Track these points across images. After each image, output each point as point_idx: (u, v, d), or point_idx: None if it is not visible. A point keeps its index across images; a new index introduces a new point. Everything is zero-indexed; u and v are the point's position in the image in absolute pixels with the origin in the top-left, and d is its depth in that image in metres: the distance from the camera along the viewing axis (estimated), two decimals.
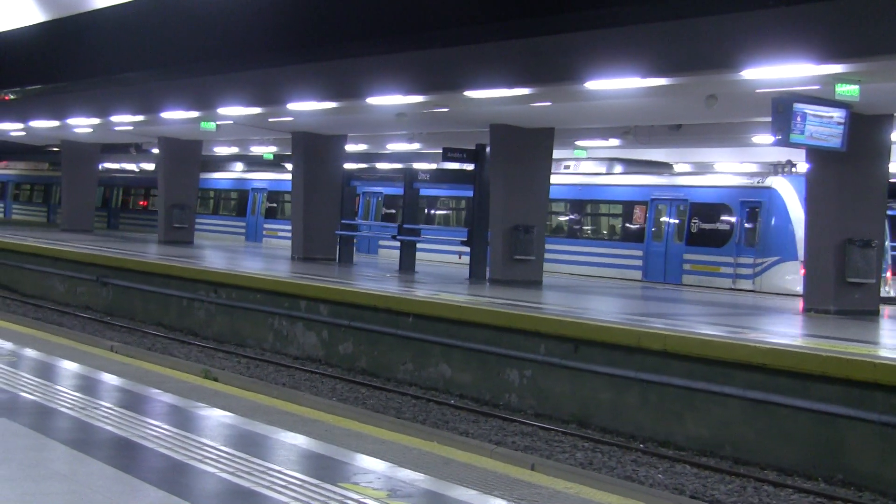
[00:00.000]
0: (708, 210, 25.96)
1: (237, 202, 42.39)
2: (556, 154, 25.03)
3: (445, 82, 17.78)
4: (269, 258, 29.74)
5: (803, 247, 23.42)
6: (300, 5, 16.36)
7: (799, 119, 16.31)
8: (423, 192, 29.44)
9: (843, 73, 14.51)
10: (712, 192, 26.06)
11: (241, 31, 17.31)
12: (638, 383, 14.23)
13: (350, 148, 31.87)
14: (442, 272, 26.79)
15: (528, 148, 23.06)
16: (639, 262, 27.22)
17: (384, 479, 6.72)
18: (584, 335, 14.99)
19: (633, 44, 14.32)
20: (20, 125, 34.63)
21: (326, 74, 19.08)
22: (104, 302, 25.48)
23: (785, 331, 16.64)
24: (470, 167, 25.46)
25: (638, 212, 27.53)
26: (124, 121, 29.57)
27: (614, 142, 27.54)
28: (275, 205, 40.49)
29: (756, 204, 24.79)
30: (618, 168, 30.54)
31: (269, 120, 26.41)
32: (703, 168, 33.86)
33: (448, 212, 33.60)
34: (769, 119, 16.79)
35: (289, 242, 37.50)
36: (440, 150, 25.78)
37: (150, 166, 51.41)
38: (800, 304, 21.02)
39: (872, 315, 18.61)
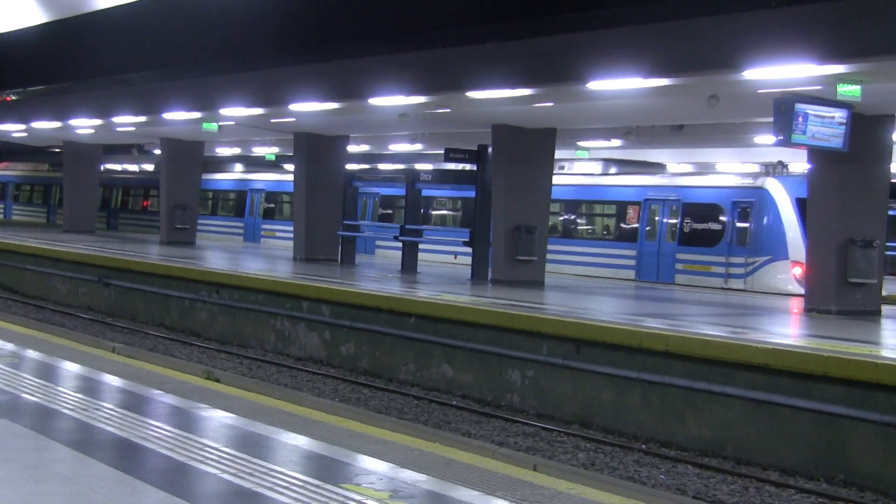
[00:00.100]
0: (700, 210, 26.18)
1: (235, 203, 42.44)
2: (555, 154, 25.04)
3: (447, 83, 17.78)
4: (270, 259, 29.74)
5: (795, 246, 23.79)
6: (302, 6, 16.37)
7: (801, 119, 16.30)
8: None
9: (844, 73, 14.50)
10: (704, 193, 26.29)
11: (244, 31, 17.33)
12: (640, 384, 14.23)
13: (352, 149, 31.87)
14: (444, 273, 26.80)
15: (530, 148, 23.06)
16: (632, 262, 27.43)
17: (386, 480, 6.72)
18: (585, 335, 14.99)
19: (634, 44, 14.33)
20: (22, 126, 34.65)
21: (328, 75, 19.10)
22: (106, 303, 25.49)
23: (786, 331, 16.63)
24: (469, 168, 25.48)
25: (631, 212, 27.75)
26: (126, 122, 29.57)
27: (616, 142, 27.58)
28: (273, 205, 40.58)
29: (747, 204, 25.01)
30: (612, 168, 30.71)
31: (271, 121, 26.41)
32: (705, 168, 33.88)
33: (444, 212, 33.65)
34: (771, 119, 16.78)
35: (286, 243, 37.72)
36: (442, 151, 25.79)
37: (150, 167, 51.50)
38: (791, 302, 21.08)
39: (874, 315, 18.60)
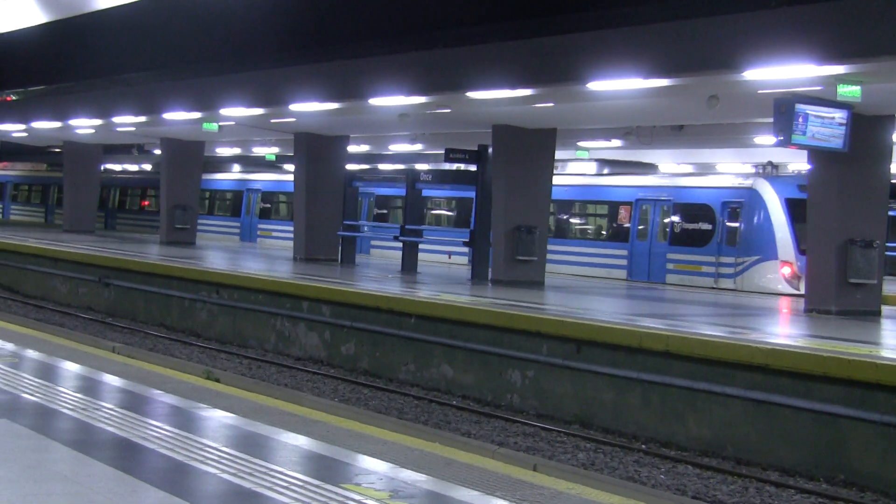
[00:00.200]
0: (691, 210, 26.38)
1: (232, 203, 42.50)
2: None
3: (448, 83, 17.78)
4: (270, 259, 29.74)
5: (784, 246, 23.95)
6: (302, 6, 16.37)
7: (801, 120, 16.30)
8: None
9: (844, 73, 14.51)
10: (695, 193, 26.48)
11: (244, 31, 17.33)
12: (640, 384, 14.23)
13: (352, 149, 31.88)
14: (443, 273, 26.81)
15: (530, 148, 23.07)
16: (624, 262, 27.57)
17: (386, 480, 6.73)
18: (586, 336, 14.99)
19: (635, 44, 14.33)
20: (22, 126, 34.65)
21: (329, 75, 19.09)
22: (106, 303, 25.49)
23: (786, 331, 16.63)
24: (468, 168, 25.50)
25: (623, 212, 27.95)
26: (126, 122, 29.58)
27: (616, 142, 27.60)
28: (269, 205, 40.66)
29: (737, 204, 25.17)
30: (605, 169, 30.86)
31: (272, 121, 26.41)
32: (705, 169, 33.91)
33: (437, 212, 33.72)
34: (771, 120, 16.78)
35: (283, 242, 37.92)
36: (442, 151, 25.80)
37: (147, 166, 51.55)
38: (789, 302, 21.11)
39: (874, 315, 18.60)
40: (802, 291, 23.57)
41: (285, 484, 6.42)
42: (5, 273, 30.14)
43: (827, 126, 16.61)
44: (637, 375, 14.23)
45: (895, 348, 14.77)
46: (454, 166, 31.17)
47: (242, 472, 6.67)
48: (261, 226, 40.49)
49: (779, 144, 17.12)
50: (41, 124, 32.37)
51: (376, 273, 25.18)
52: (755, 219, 24.75)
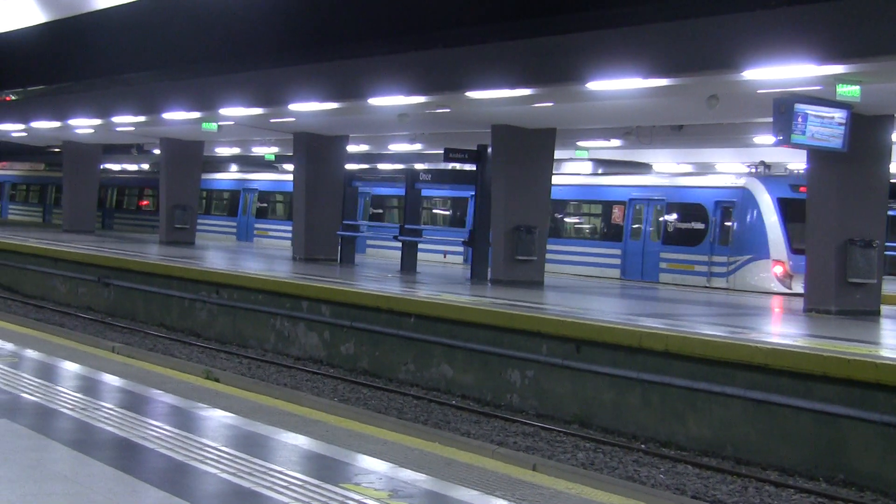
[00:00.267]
0: (684, 210, 26.55)
1: (228, 202, 42.55)
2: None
3: (447, 83, 17.78)
4: (269, 258, 29.74)
5: (776, 245, 24.11)
6: (302, 6, 16.37)
7: (800, 120, 16.30)
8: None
9: (844, 73, 14.51)
10: (688, 193, 26.66)
11: (244, 31, 17.33)
12: (640, 384, 14.23)
13: (351, 149, 31.88)
14: (443, 272, 26.81)
15: (529, 148, 23.07)
16: (617, 261, 27.69)
17: (386, 480, 6.73)
18: (585, 335, 14.99)
19: (634, 44, 14.33)
20: (21, 126, 34.65)
21: (328, 75, 19.09)
22: (105, 303, 25.49)
23: (786, 331, 16.64)
24: (467, 167, 25.51)
25: (617, 212, 28.07)
26: (126, 121, 29.58)
27: (616, 142, 27.62)
28: (265, 205, 40.74)
29: (730, 204, 25.34)
30: (599, 169, 31.02)
31: (271, 121, 26.41)
32: (705, 169, 33.94)
33: (434, 211, 33.81)
34: (770, 120, 16.79)
35: (279, 242, 38.08)
36: (441, 151, 25.80)
37: (145, 166, 51.59)
38: (788, 301, 21.17)
39: (874, 315, 18.60)
40: (794, 290, 23.81)
41: (285, 483, 6.42)
42: (5, 273, 30.14)
43: (826, 126, 16.62)
44: (637, 375, 14.23)
45: (895, 348, 14.77)
46: (450, 165, 31.26)
47: (242, 471, 6.67)
48: (257, 225, 40.59)
49: (778, 144, 17.13)
50: (41, 124, 32.37)
51: (376, 273, 25.18)
52: (747, 218, 24.91)
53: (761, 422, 12.92)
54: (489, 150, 23.56)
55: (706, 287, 25.17)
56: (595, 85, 15.90)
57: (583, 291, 22.75)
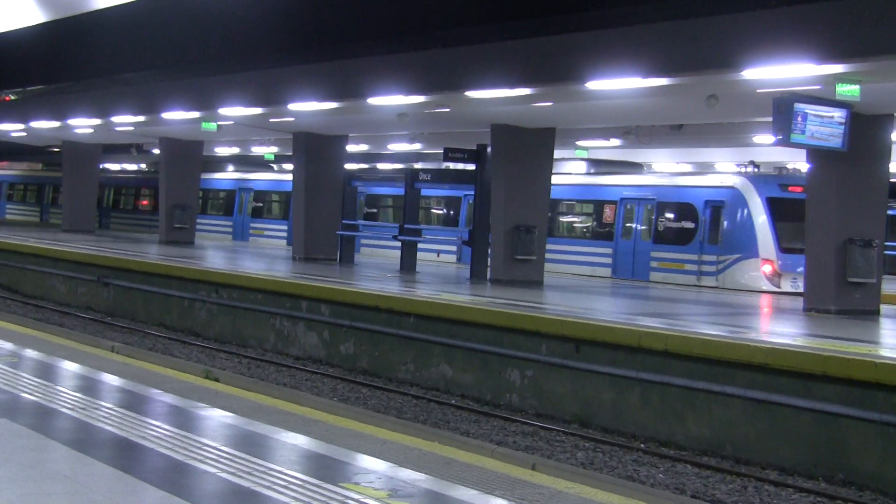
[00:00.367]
0: (674, 209, 26.72)
1: (224, 202, 42.62)
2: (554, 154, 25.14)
3: (447, 82, 17.78)
4: (269, 258, 29.73)
5: (765, 244, 24.32)
6: (302, 6, 16.37)
7: (800, 119, 16.30)
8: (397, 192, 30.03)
9: (843, 72, 14.51)
10: (678, 192, 26.84)
11: (243, 31, 17.33)
12: (639, 383, 14.23)
13: (351, 148, 31.87)
14: (442, 272, 26.82)
15: (529, 148, 23.07)
16: (609, 260, 27.82)
17: (385, 479, 6.73)
18: (585, 335, 14.99)
19: (634, 44, 14.33)
20: (21, 126, 34.64)
21: (328, 75, 19.09)
22: (105, 302, 25.49)
23: (786, 330, 16.64)
24: (465, 167, 25.54)
25: (608, 211, 28.21)
26: (125, 121, 29.57)
27: (615, 142, 27.66)
28: (261, 204, 40.85)
29: (719, 203, 25.51)
30: (591, 169, 31.21)
31: (271, 120, 26.41)
32: (705, 168, 33.98)
33: (429, 211, 33.95)
34: (770, 119, 16.79)
35: (275, 241, 38.22)
36: (441, 150, 25.80)
37: (143, 166, 51.57)
38: (770, 301, 21.22)
39: (873, 315, 18.60)
40: (783, 289, 23.92)
41: (284, 483, 6.42)
42: (5, 273, 30.14)
43: (826, 125, 16.62)
44: (636, 375, 14.23)
45: (894, 348, 14.77)
46: (444, 165, 31.28)
47: (241, 471, 6.67)
48: (253, 225, 40.70)
49: (778, 144, 17.13)
50: (40, 124, 32.36)
51: (375, 272, 25.18)
52: (737, 217, 25.08)
53: (761, 421, 12.92)
54: (489, 149, 23.56)
55: (696, 286, 25.33)
56: (594, 84, 15.91)
57: (581, 291, 22.75)
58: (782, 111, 16.24)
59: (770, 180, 25.55)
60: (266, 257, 30.23)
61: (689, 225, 26.11)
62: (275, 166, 43.35)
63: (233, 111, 24.00)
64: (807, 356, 12.57)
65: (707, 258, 25.47)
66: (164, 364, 15.15)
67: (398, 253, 26.71)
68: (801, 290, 23.80)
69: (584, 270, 28.04)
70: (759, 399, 12.91)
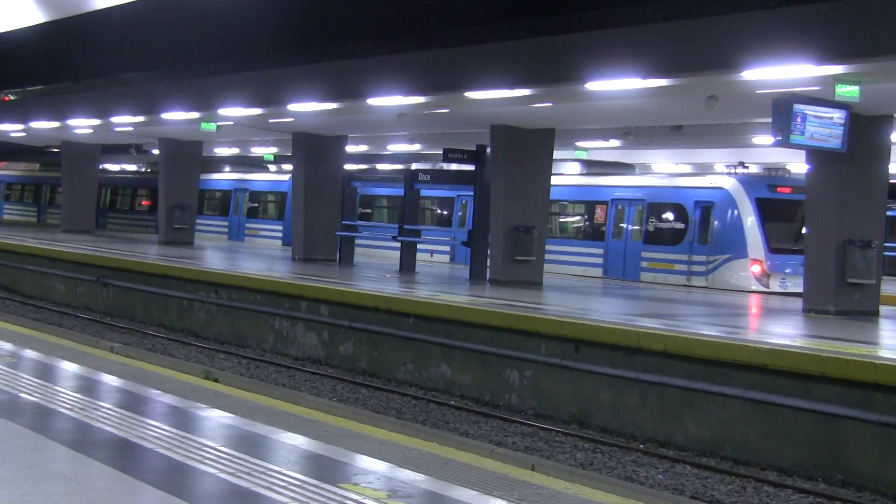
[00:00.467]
0: (664, 210, 26.90)
1: (220, 202, 42.69)
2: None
3: (446, 83, 17.78)
4: (267, 258, 29.73)
5: (754, 245, 24.51)
6: (301, 6, 16.37)
7: (799, 120, 16.31)
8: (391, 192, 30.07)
9: (843, 73, 14.51)
10: (668, 193, 27.01)
11: (243, 31, 17.32)
12: (638, 384, 14.23)
13: (350, 149, 31.87)
14: (441, 273, 26.82)
15: (528, 148, 23.07)
16: (600, 260, 27.93)
17: (384, 480, 6.73)
18: (584, 336, 14.99)
19: (633, 44, 14.34)
20: (20, 126, 34.63)
21: (327, 75, 19.09)
22: (104, 303, 25.49)
23: (785, 331, 16.64)
24: (465, 167, 25.55)
25: (599, 211, 28.37)
26: (125, 121, 29.57)
27: (615, 142, 27.67)
28: (256, 205, 40.93)
29: (708, 204, 25.67)
30: (583, 169, 31.35)
31: (270, 121, 26.41)
32: (704, 169, 34.01)
33: (420, 211, 34.14)
34: (769, 120, 16.79)
35: (270, 241, 38.32)
36: (441, 151, 25.80)
37: (140, 166, 51.56)
38: (759, 300, 21.27)
39: (872, 316, 18.60)
40: (772, 289, 24.01)
41: (283, 483, 6.43)
42: (4, 273, 30.14)
43: (825, 126, 16.62)
44: (635, 375, 14.23)
45: (893, 348, 14.77)
46: (437, 165, 31.29)
47: (241, 471, 6.67)
48: (248, 225, 40.80)
49: (777, 144, 17.13)
50: (40, 124, 32.36)
51: (374, 273, 25.18)
52: (726, 218, 25.25)
53: (760, 422, 12.92)
54: (488, 150, 23.57)
55: (686, 286, 25.44)
56: (594, 85, 15.91)
57: (580, 291, 22.75)
58: (782, 112, 16.25)
59: (759, 181, 25.72)
60: (265, 257, 30.23)
61: (679, 225, 26.27)
62: (271, 167, 43.42)
63: (232, 111, 24.01)
64: (806, 357, 12.57)
65: (697, 258, 25.62)
66: (163, 364, 15.14)
67: (391, 253, 26.74)
68: (789, 290, 24.05)
69: (575, 270, 28.13)
70: (758, 400, 12.91)
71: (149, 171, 52.01)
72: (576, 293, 22.20)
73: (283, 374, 17.97)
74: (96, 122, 30.05)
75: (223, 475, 6.57)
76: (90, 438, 7.48)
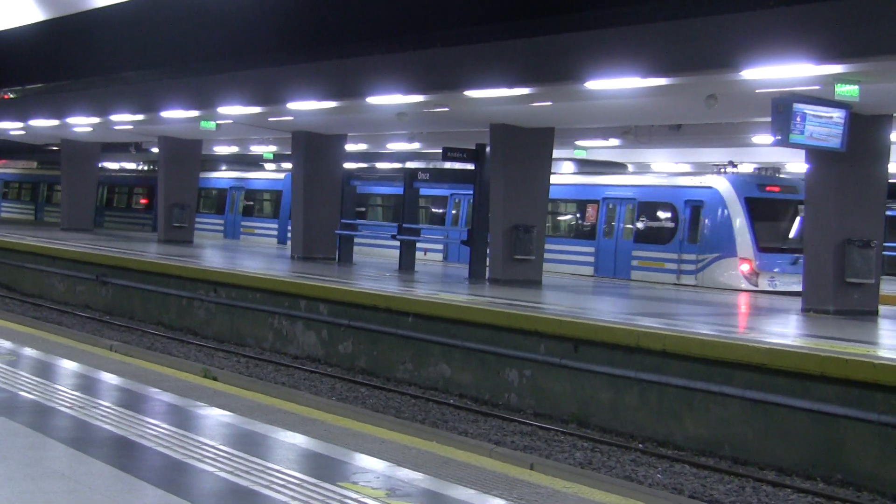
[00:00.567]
0: (654, 209, 27.06)
1: (216, 200, 42.72)
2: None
3: (446, 82, 17.77)
4: (267, 257, 29.73)
5: (743, 244, 24.67)
6: (301, 5, 16.36)
7: (799, 119, 16.31)
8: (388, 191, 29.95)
9: (842, 73, 14.51)
10: (658, 192, 27.13)
11: (243, 30, 17.31)
12: (637, 383, 14.23)
13: (350, 147, 31.86)
14: (441, 272, 26.82)
15: (528, 148, 23.08)
16: (591, 259, 28.00)
17: (383, 479, 6.73)
18: (583, 335, 14.99)
19: (633, 44, 14.33)
20: (20, 124, 34.61)
21: (327, 74, 19.08)
22: (103, 301, 25.49)
23: (784, 331, 16.64)
24: (462, 167, 25.57)
25: (590, 210, 28.41)
26: (124, 120, 29.56)
27: (614, 141, 27.67)
28: (251, 203, 40.98)
29: (698, 203, 25.79)
30: (576, 168, 31.39)
31: (270, 119, 26.41)
32: (704, 168, 34.01)
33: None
34: (769, 119, 16.79)
35: (265, 239, 38.33)
36: (440, 150, 25.81)
37: (137, 165, 51.53)
38: (751, 299, 21.30)
39: (872, 315, 18.60)
40: (760, 287, 24.09)
41: (283, 482, 6.42)
42: (3, 271, 30.13)
43: (825, 125, 16.62)
44: (635, 375, 14.24)
45: (893, 348, 14.77)
46: (430, 164, 31.26)
47: (240, 470, 6.67)
48: (244, 223, 40.86)
49: (777, 144, 17.13)
50: (39, 122, 32.34)
51: (374, 272, 25.18)
52: (715, 217, 25.37)
53: (759, 421, 12.93)
54: (488, 149, 23.56)
55: (676, 284, 25.56)
56: (593, 84, 15.90)
57: (579, 291, 22.76)
58: (781, 111, 16.25)
59: (748, 181, 25.84)
60: (263, 256, 30.23)
61: (670, 224, 26.40)
62: (266, 165, 43.44)
63: (232, 110, 24.00)
64: (805, 356, 12.57)
65: (686, 257, 25.73)
66: (163, 363, 15.13)
67: (390, 252, 26.71)
68: (778, 288, 24.14)
69: (566, 269, 28.19)
70: (757, 399, 12.91)
71: (145, 169, 52.05)
72: (575, 292, 22.20)
73: (282, 372, 17.98)
74: (96, 120, 30.04)
75: (222, 474, 6.57)
76: (89, 437, 7.48)
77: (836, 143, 16.85)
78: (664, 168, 35.16)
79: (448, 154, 24.78)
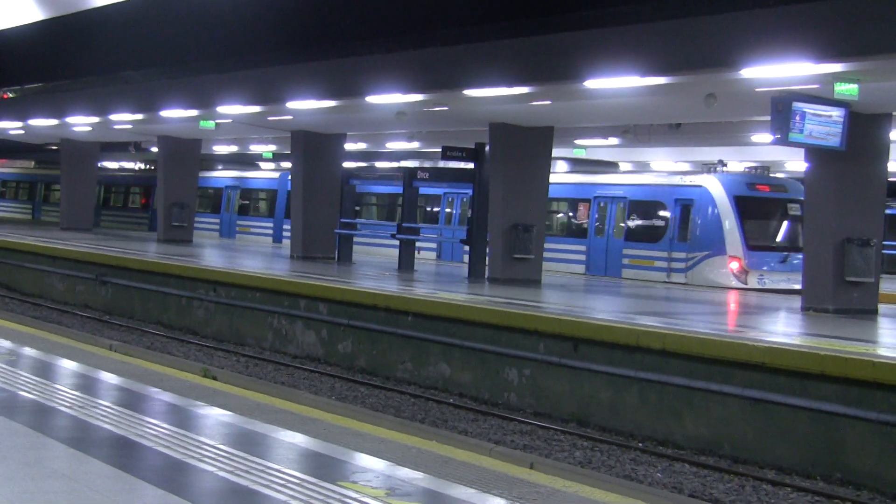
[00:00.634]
0: (645, 207, 27.15)
1: (212, 200, 42.76)
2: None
3: (445, 81, 17.78)
4: (266, 256, 29.73)
5: (732, 242, 24.80)
6: (301, 4, 16.36)
7: (798, 118, 16.31)
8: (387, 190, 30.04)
9: (842, 72, 14.51)
10: (649, 190, 27.22)
11: (242, 29, 17.31)
12: (637, 382, 14.24)
13: (349, 146, 31.85)
14: (440, 271, 26.82)
15: (527, 147, 23.07)
16: (582, 257, 28.08)
17: (383, 478, 6.73)
18: (583, 334, 14.99)
19: (632, 43, 14.33)
20: (19, 123, 34.60)
21: (326, 73, 19.08)
22: (103, 301, 25.48)
23: (784, 330, 16.64)
24: (462, 166, 25.58)
25: (582, 209, 28.51)
26: (124, 119, 29.55)
27: (614, 140, 27.69)
28: (247, 202, 41.04)
29: (688, 201, 25.86)
30: (567, 167, 31.41)
31: (269, 118, 26.41)
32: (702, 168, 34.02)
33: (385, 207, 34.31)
34: (768, 118, 16.80)
35: (261, 238, 38.40)
36: (440, 149, 25.81)
37: (134, 165, 51.53)
38: (730, 297, 21.27)
39: (871, 314, 18.60)
40: (749, 286, 24.13)
41: (282, 482, 6.42)
42: (2, 271, 30.12)
43: (824, 124, 16.63)
44: (634, 374, 14.24)
45: (892, 347, 14.78)
46: (423, 162, 31.25)
47: (240, 469, 6.67)
48: (239, 222, 40.94)
49: (776, 143, 17.14)
50: (38, 122, 32.34)
51: (373, 271, 25.17)
52: (705, 215, 25.43)
53: (759, 420, 12.93)
54: (487, 148, 23.56)
55: (666, 282, 25.63)
56: (593, 83, 15.90)
57: (578, 290, 22.77)
58: (780, 110, 16.25)
59: (738, 179, 25.93)
60: (262, 255, 30.23)
61: (660, 223, 26.47)
62: (262, 164, 43.46)
63: (231, 109, 24.00)
64: (805, 355, 12.57)
65: (677, 255, 25.82)
66: (162, 362, 15.14)
67: (390, 251, 26.71)
68: (767, 286, 24.19)
69: (558, 267, 28.21)
70: (756, 398, 12.91)
71: (142, 168, 52.04)
72: (574, 291, 22.21)
73: (281, 372, 17.98)
74: (95, 119, 30.03)
75: (222, 473, 6.57)
76: (89, 436, 7.48)
77: (836, 141, 16.86)
78: (664, 167, 35.16)
79: (447, 153, 24.78)
